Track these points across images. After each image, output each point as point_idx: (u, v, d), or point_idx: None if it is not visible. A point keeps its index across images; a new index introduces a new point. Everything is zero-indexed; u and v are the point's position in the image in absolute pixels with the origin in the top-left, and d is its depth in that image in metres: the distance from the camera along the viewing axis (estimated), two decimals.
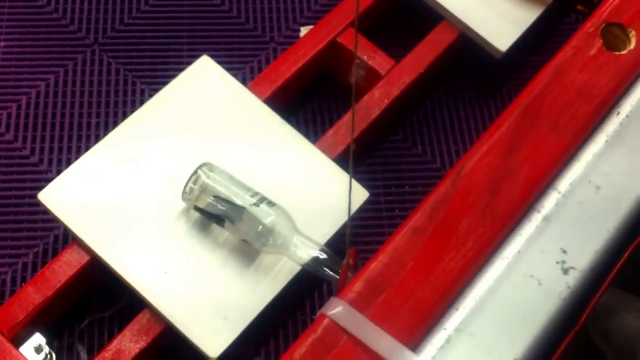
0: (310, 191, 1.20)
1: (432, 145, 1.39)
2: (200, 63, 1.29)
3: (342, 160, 1.23)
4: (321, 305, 1.20)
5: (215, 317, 1.09)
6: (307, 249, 1.08)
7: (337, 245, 1.23)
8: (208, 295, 1.11)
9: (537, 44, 1.47)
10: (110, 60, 1.43)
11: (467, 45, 1.39)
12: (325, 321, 0.84)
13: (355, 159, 1.32)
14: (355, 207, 1.18)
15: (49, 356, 1.12)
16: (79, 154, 1.31)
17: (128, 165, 1.19)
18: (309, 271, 1.08)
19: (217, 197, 1.10)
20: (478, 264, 0.89)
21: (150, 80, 1.42)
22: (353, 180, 1.19)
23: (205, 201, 1.11)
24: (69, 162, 1.28)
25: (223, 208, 1.10)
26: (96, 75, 1.42)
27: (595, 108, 0.98)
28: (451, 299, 0.87)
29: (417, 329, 0.85)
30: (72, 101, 1.38)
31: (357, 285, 0.86)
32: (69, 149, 1.34)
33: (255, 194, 1.11)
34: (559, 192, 0.93)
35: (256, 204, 1.10)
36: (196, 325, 1.08)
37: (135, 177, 1.18)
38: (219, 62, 1.28)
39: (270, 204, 1.11)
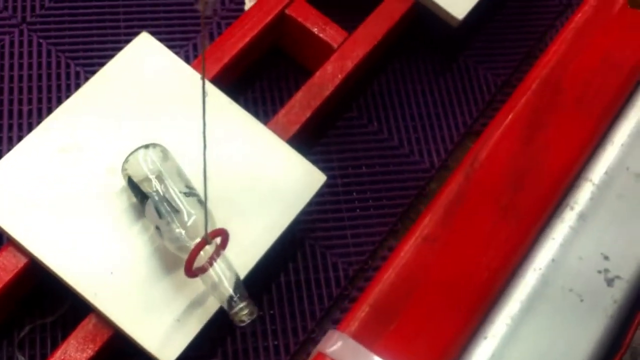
0: (262, 176, 1.13)
1: (389, 122, 1.33)
2: (140, 41, 1.19)
3: (295, 141, 1.16)
4: (280, 299, 1.16)
5: (168, 320, 1.01)
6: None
7: (294, 233, 1.17)
8: (159, 296, 1.03)
9: (497, 9, 1.41)
10: (41, 40, 1.32)
11: (423, 14, 1.32)
12: None
13: (310, 139, 1.26)
14: (312, 191, 1.12)
15: None
16: (10, 145, 1.21)
17: (65, 155, 1.09)
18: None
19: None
20: (505, 278, 0.73)
21: (85, 62, 1.32)
22: (309, 164, 1.13)
23: (140, 178, 1.04)
24: (0, 155, 1.18)
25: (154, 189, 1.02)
26: (26, 58, 1.31)
27: (625, 78, 0.84)
28: (477, 325, 0.71)
29: None
30: (0, 87, 1.28)
31: (361, 313, 0.71)
32: (0, 139, 1.24)
33: (188, 186, 1.04)
34: (593, 183, 0.78)
35: (186, 194, 1.02)
36: (148, 330, 1.00)
37: (73, 168, 1.09)
38: (160, 40, 1.19)
39: (199, 199, 1.02)
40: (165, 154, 1.06)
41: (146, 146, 1.05)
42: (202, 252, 0.96)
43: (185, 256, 0.96)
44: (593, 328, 0.70)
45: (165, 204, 1.00)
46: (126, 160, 1.05)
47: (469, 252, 0.73)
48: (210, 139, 1.12)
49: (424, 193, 1.25)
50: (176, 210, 1.00)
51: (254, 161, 1.14)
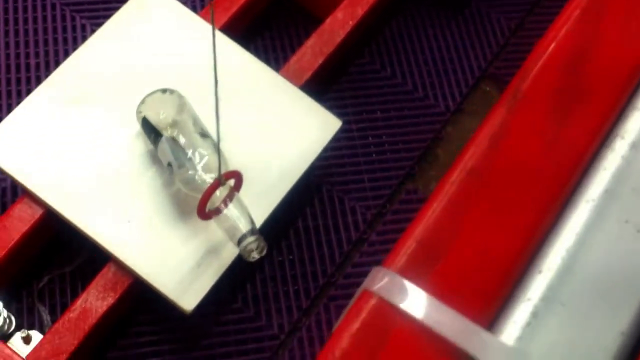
0: (277, 123, 1.11)
1: (402, 66, 1.31)
2: None
3: (308, 88, 1.14)
4: (298, 244, 1.15)
5: (188, 267, 1.00)
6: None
7: (310, 178, 1.16)
8: (178, 243, 1.01)
9: None
10: None
11: None
12: (373, 301, 0.65)
13: (323, 86, 1.24)
14: (328, 137, 1.10)
15: (7, 320, 1.03)
16: (19, 98, 1.20)
17: (76, 106, 1.07)
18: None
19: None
20: (557, 210, 0.69)
21: (90, 14, 1.30)
22: (324, 109, 1.12)
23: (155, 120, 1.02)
24: (10, 108, 1.16)
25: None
26: (30, 12, 1.29)
27: None
28: (529, 259, 0.67)
29: (490, 302, 0.66)
30: (6, 41, 1.26)
31: (406, 250, 0.66)
32: (9, 93, 1.22)
33: (202, 130, 1.02)
34: None
35: (201, 134, 1.01)
36: (168, 277, 0.99)
37: (85, 118, 1.07)
38: None
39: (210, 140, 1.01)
40: (181, 99, 1.04)
41: (163, 90, 1.04)
42: (217, 193, 0.94)
43: (198, 196, 0.95)
44: None
45: (179, 143, 0.99)
46: (142, 102, 1.03)
47: (517, 186, 0.69)
48: (223, 87, 1.10)
49: (439, 136, 1.24)
50: (190, 150, 0.98)
51: (268, 108, 1.12)
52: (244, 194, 1.04)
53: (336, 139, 1.12)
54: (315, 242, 1.14)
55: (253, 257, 0.93)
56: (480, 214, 0.67)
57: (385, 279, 0.65)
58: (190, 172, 0.97)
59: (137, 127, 1.05)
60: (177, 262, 1.01)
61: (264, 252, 0.93)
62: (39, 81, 1.14)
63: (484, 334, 0.63)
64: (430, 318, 0.62)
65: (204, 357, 1.07)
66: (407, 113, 1.25)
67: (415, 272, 0.64)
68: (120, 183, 1.04)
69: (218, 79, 1.00)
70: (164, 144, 1.00)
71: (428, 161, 1.22)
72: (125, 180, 1.04)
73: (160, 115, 1.02)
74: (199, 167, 0.96)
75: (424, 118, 1.25)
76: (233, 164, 1.01)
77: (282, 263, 1.13)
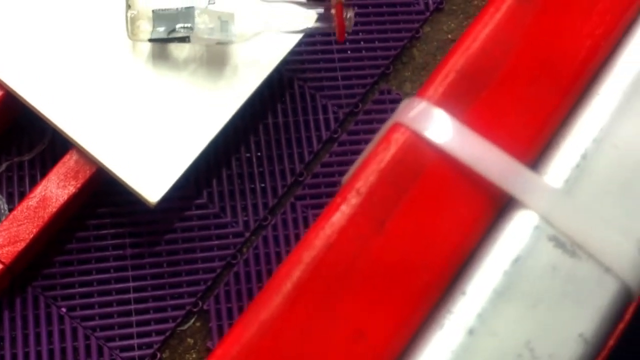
0: None
1: None
2: None
3: None
4: (267, 141, 1.11)
5: (154, 158, 0.97)
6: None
7: (282, 72, 1.12)
8: (144, 133, 0.97)
9: None
10: None
11: None
12: (404, 133, 0.58)
13: None
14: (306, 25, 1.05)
15: None
16: None
17: None
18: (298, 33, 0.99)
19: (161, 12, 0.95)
20: (610, 47, 0.63)
21: None
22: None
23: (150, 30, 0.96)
24: None
25: (174, 21, 0.95)
26: None
27: None
28: (578, 97, 0.62)
29: (535, 139, 0.60)
30: None
31: (445, 79, 0.59)
32: None
33: None
34: None
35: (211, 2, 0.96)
36: (132, 167, 0.96)
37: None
38: None
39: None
40: None
41: None
42: None
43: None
44: None
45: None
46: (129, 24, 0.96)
47: (569, 16, 0.63)
48: None
49: (417, 36, 1.20)
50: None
51: None
52: (213, 86, 1.01)
53: (311, 34, 1.08)
54: (285, 139, 1.10)
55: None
56: (533, 41, 0.61)
57: (419, 109, 0.58)
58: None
59: (99, 7, 0.99)
60: (142, 153, 0.97)
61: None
62: None
63: (528, 174, 0.58)
64: (468, 154, 0.57)
65: (166, 252, 1.04)
66: (385, 10, 1.20)
67: (453, 103, 0.58)
68: (85, 66, 0.99)
69: None
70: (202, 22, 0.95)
71: (403, 62, 1.18)
72: (91, 64, 0.99)
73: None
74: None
75: (402, 16, 1.20)
76: (203, 55, 0.97)
77: (249, 160, 1.09)
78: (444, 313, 0.58)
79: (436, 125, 0.58)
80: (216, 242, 1.06)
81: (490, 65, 0.61)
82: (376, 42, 1.18)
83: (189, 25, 0.94)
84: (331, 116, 1.13)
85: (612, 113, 0.62)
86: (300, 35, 1.04)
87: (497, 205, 0.61)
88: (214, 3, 0.96)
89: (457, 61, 0.60)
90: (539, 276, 0.59)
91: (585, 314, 0.58)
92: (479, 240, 0.61)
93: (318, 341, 0.56)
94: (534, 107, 0.61)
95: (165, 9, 0.95)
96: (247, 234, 1.07)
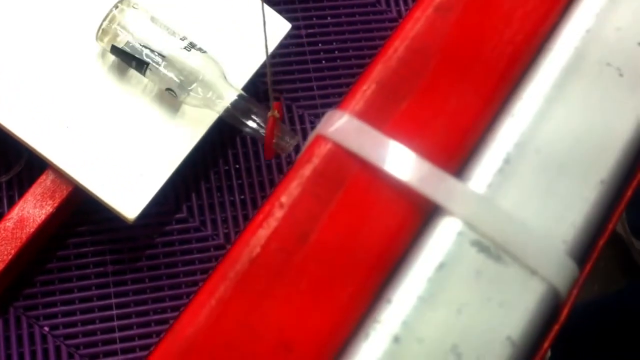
0: (224, 24, 1.06)
1: None
2: None
3: None
4: (245, 153, 1.11)
5: (130, 174, 0.97)
6: (231, 98, 0.96)
7: (257, 85, 1.12)
8: (120, 149, 0.98)
9: None
10: None
11: None
12: (327, 145, 0.59)
13: None
14: (277, 40, 1.06)
15: None
16: None
17: (10, 6, 1.02)
18: (232, 124, 0.97)
19: (138, 39, 0.96)
20: (531, 52, 0.64)
21: None
22: (273, 11, 1.08)
23: (124, 42, 0.96)
24: None
25: (146, 50, 0.96)
26: None
27: None
28: (500, 103, 0.63)
29: (457, 147, 0.61)
30: None
31: (366, 91, 0.60)
32: None
33: (183, 38, 0.97)
34: None
35: (187, 49, 0.97)
36: (108, 184, 0.96)
37: (23, 16, 1.01)
38: None
39: (201, 50, 0.97)
40: (140, 8, 0.99)
41: (116, 5, 0.97)
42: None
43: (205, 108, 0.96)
44: (635, 104, 0.64)
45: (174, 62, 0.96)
46: (105, 28, 0.96)
47: (489, 23, 0.63)
48: None
49: None
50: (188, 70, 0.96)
51: (214, 9, 1.07)
52: (187, 100, 1.01)
53: (284, 45, 1.09)
54: (262, 151, 1.11)
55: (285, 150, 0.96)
56: (448, 55, 0.62)
57: (342, 122, 0.59)
58: (199, 90, 0.95)
59: (74, 25, 1.00)
60: (118, 170, 0.97)
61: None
62: None
63: (451, 180, 0.59)
64: (391, 164, 0.57)
65: (148, 267, 1.04)
66: (358, 19, 1.21)
67: (375, 114, 0.59)
68: (58, 86, 0.99)
69: None
70: (159, 72, 0.96)
71: None
72: (63, 83, 0.99)
73: (132, 34, 0.96)
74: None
75: (375, 24, 1.21)
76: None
77: (228, 172, 1.10)
78: (370, 322, 0.58)
79: (357, 136, 0.58)
80: (197, 255, 1.07)
81: (410, 75, 0.61)
82: (350, 50, 1.19)
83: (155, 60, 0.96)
84: (308, 126, 1.14)
85: (534, 117, 0.63)
86: (274, 47, 1.05)
87: (422, 214, 0.61)
88: (189, 50, 0.97)
89: (377, 72, 0.61)
90: (463, 281, 0.59)
91: (512, 317, 0.59)
92: (405, 249, 0.61)
93: (244, 356, 0.56)
94: (456, 115, 0.61)
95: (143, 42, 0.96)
96: (229, 246, 1.07)
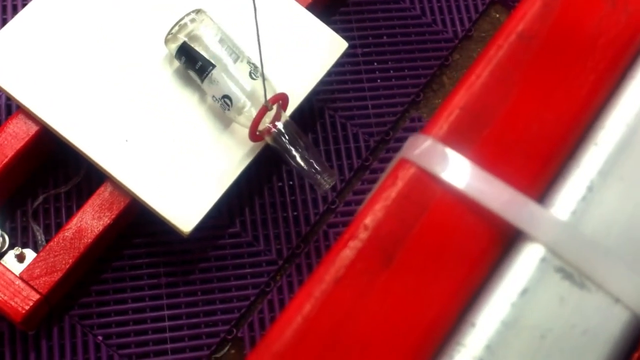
0: (282, 42, 1.07)
1: None
2: None
3: (315, 8, 1.11)
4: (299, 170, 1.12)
5: (186, 188, 0.98)
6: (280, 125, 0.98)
7: (312, 102, 1.13)
8: (177, 163, 0.99)
9: None
10: None
11: None
12: (411, 169, 0.60)
13: (329, 8, 1.21)
14: (334, 58, 1.07)
15: (1, 238, 1.01)
16: (15, 11, 1.16)
17: (77, 21, 1.04)
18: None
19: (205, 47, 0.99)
20: (615, 79, 0.64)
21: None
22: (330, 30, 1.08)
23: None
24: (4, 22, 1.12)
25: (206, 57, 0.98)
26: None
27: None
28: (583, 131, 0.62)
29: (540, 173, 0.61)
30: None
31: (450, 116, 0.61)
32: (4, 8, 1.18)
33: (249, 62, 1.00)
34: None
35: (251, 75, 0.99)
36: (166, 198, 0.97)
37: (85, 33, 1.03)
38: None
39: (263, 76, 0.98)
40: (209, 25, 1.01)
41: (196, 11, 1.00)
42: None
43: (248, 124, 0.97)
44: None
45: (230, 72, 0.98)
46: (182, 26, 0.99)
47: (572, 51, 0.63)
48: (226, 5, 1.07)
49: (446, 64, 1.20)
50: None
51: (272, 28, 1.08)
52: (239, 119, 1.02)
53: (340, 63, 1.09)
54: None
55: (326, 188, 0.98)
56: (531, 81, 0.62)
57: (425, 146, 0.60)
58: (242, 100, 0.97)
59: (137, 41, 1.02)
60: (175, 184, 0.98)
61: (334, 178, 0.99)
62: None
63: (534, 207, 0.59)
64: (474, 188, 0.58)
65: (200, 280, 1.05)
66: (414, 39, 1.21)
67: (458, 139, 0.60)
68: (118, 101, 1.01)
69: None
70: (218, 74, 0.98)
71: (433, 89, 1.19)
72: (123, 98, 1.01)
73: (206, 36, 0.99)
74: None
75: (431, 44, 1.21)
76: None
77: (282, 189, 1.11)
78: (454, 345, 0.59)
79: (442, 161, 0.59)
80: (249, 270, 1.07)
81: (493, 102, 0.62)
82: (405, 70, 1.19)
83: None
84: (362, 144, 1.14)
85: (617, 145, 0.63)
86: (331, 65, 1.06)
87: (505, 239, 0.61)
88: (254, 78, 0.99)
89: (461, 98, 0.62)
90: (546, 307, 0.59)
91: (595, 344, 0.58)
92: (488, 273, 0.61)
93: None
94: (538, 141, 0.62)
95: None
96: (281, 262, 1.08)
